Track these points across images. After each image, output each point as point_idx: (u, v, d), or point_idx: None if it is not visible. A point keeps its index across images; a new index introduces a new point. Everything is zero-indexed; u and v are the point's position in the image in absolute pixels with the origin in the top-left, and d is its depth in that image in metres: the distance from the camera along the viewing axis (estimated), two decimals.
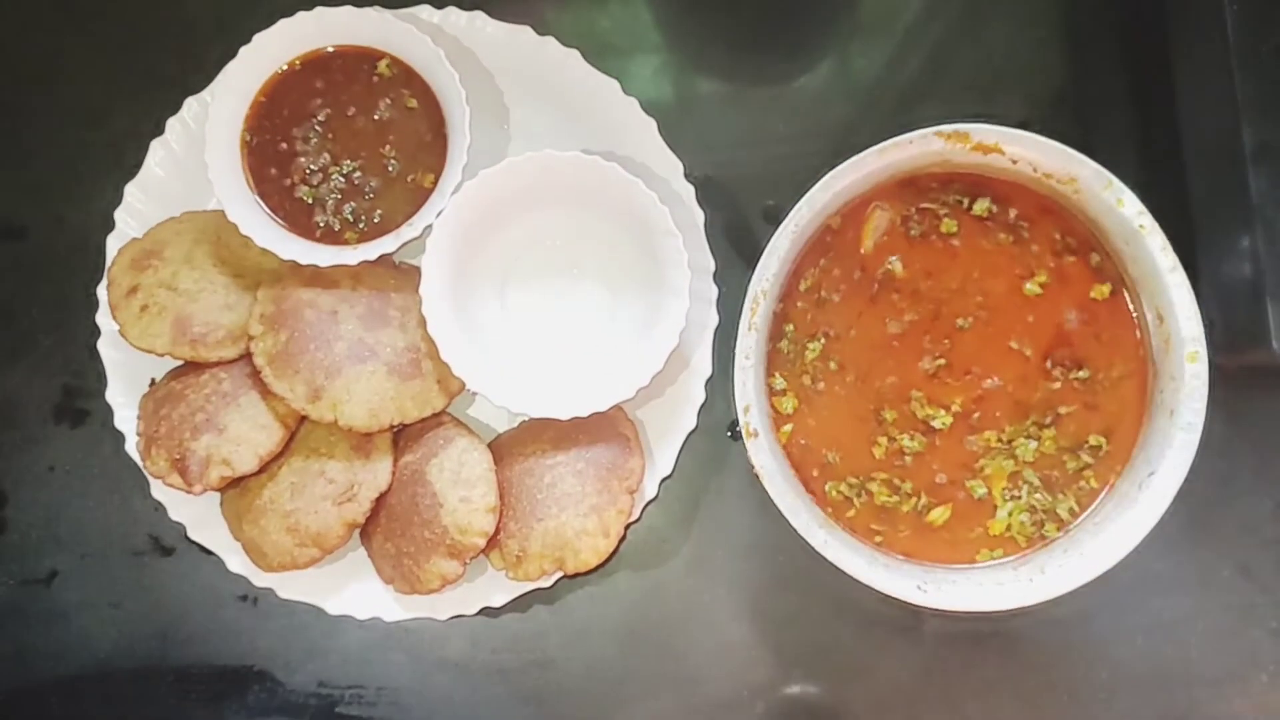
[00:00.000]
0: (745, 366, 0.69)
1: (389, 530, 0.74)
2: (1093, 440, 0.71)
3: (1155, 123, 0.80)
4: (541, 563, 0.73)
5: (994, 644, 0.78)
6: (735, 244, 0.80)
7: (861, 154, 0.69)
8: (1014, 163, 0.70)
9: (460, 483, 0.73)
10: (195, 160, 0.75)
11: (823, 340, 0.73)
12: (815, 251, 0.73)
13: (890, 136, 0.69)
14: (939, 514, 0.72)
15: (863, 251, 0.73)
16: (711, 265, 0.77)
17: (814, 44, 0.85)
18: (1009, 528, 0.71)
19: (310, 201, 0.76)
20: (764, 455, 0.69)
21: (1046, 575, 0.68)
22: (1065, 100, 0.83)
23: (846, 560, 0.68)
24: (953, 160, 0.71)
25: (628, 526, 0.76)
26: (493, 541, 0.74)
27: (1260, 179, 0.73)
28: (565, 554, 0.73)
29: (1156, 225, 0.68)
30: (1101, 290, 0.72)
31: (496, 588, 0.76)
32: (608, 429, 0.75)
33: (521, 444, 0.76)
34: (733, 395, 0.69)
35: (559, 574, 0.75)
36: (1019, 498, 0.71)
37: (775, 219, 0.70)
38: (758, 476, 0.69)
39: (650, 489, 0.77)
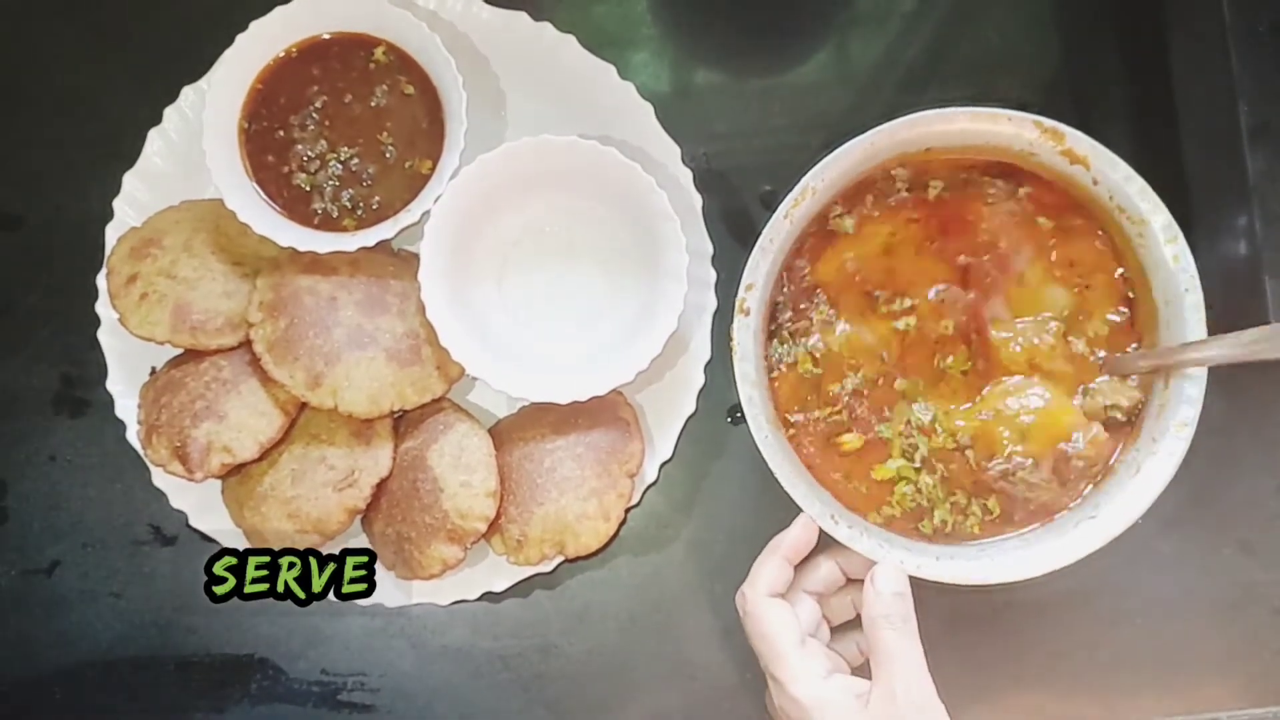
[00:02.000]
0: (766, 249, 0.70)
1: (390, 516, 0.75)
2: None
3: (1152, 104, 0.81)
4: (542, 547, 0.74)
5: (995, 624, 0.78)
6: (733, 229, 0.80)
7: (954, 109, 0.69)
8: (1095, 183, 0.70)
9: (460, 468, 0.73)
10: (193, 149, 0.75)
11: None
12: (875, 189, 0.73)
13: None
14: (850, 440, 0.72)
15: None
16: (710, 249, 0.77)
17: (811, 32, 0.85)
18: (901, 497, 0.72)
19: (308, 188, 0.76)
20: (746, 334, 0.70)
21: (912, 556, 0.69)
22: (1062, 82, 0.83)
23: (776, 459, 0.69)
24: (1039, 159, 0.71)
25: (628, 510, 0.76)
26: (493, 526, 0.74)
27: (1257, 158, 0.73)
28: (566, 538, 0.73)
29: (1201, 294, 0.68)
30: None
31: (497, 573, 0.77)
32: (607, 413, 0.76)
33: (521, 429, 0.77)
34: (740, 273, 0.70)
35: (559, 558, 0.75)
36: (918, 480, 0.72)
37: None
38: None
39: (650, 473, 0.77)
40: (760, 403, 0.70)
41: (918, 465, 0.72)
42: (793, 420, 0.72)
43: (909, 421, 0.72)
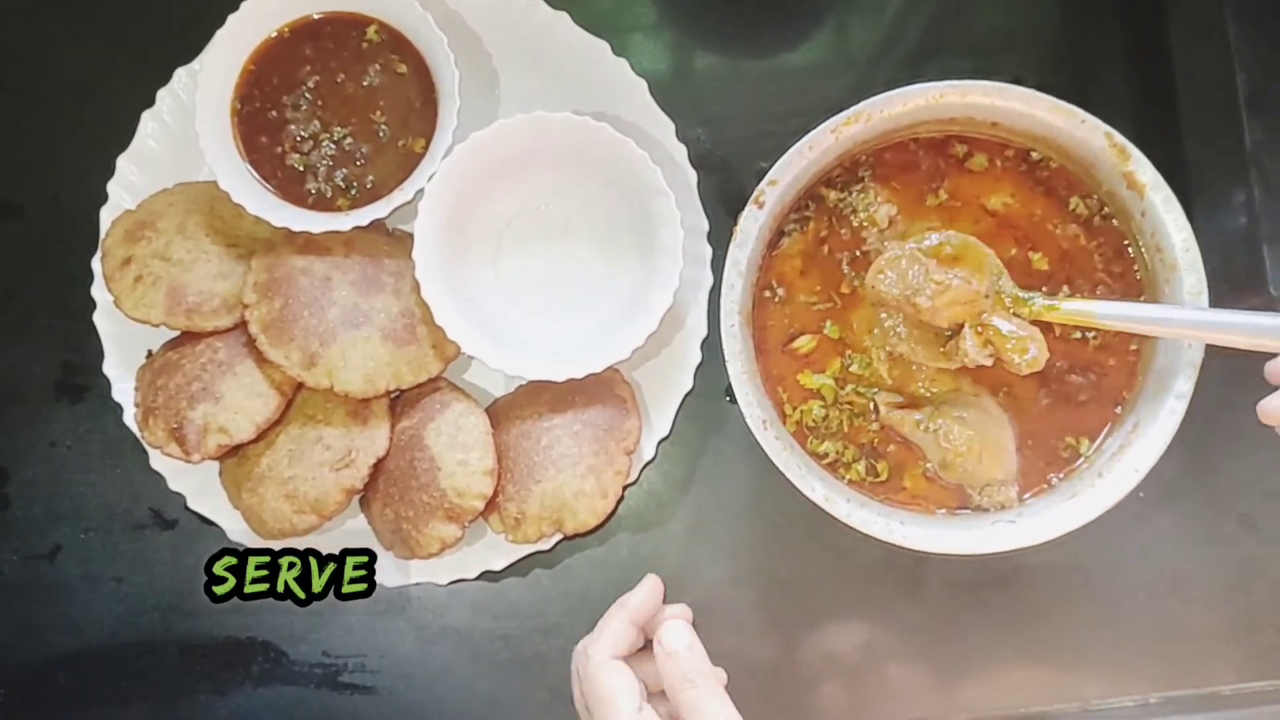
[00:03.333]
0: (803, 153, 0.70)
1: (388, 496, 0.75)
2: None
3: (1151, 76, 0.80)
4: (540, 525, 0.74)
5: (997, 602, 0.77)
6: (730, 208, 0.80)
7: (1039, 94, 0.69)
8: (1143, 214, 0.70)
9: (457, 446, 0.73)
10: (186, 131, 0.75)
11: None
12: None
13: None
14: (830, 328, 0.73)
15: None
16: (705, 225, 0.77)
17: (810, 13, 0.85)
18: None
19: (301, 169, 0.76)
20: (752, 224, 0.70)
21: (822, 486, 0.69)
22: (1062, 57, 0.83)
23: (733, 350, 0.69)
24: (1099, 171, 0.71)
25: (626, 488, 0.76)
26: (491, 505, 0.74)
27: (1255, 128, 0.73)
28: (564, 515, 0.73)
29: (1202, 350, 0.68)
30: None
31: (496, 551, 0.77)
32: (604, 391, 0.75)
33: (518, 407, 0.76)
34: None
35: (558, 536, 0.75)
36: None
37: None
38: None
39: (648, 451, 0.77)
40: (740, 291, 0.70)
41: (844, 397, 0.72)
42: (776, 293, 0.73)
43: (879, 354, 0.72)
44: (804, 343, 0.73)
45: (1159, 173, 0.68)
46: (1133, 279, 0.72)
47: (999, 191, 0.73)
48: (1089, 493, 0.68)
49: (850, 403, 0.72)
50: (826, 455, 0.72)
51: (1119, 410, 0.71)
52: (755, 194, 0.70)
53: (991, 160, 0.73)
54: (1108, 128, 0.69)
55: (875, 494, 0.71)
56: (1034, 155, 0.73)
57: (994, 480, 0.70)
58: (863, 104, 0.69)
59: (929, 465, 0.71)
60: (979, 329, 0.68)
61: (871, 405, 0.72)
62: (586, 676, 0.65)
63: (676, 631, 0.65)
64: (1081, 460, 0.71)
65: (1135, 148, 0.69)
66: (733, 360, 0.69)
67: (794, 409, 0.72)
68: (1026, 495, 0.71)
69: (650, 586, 0.69)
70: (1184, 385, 0.68)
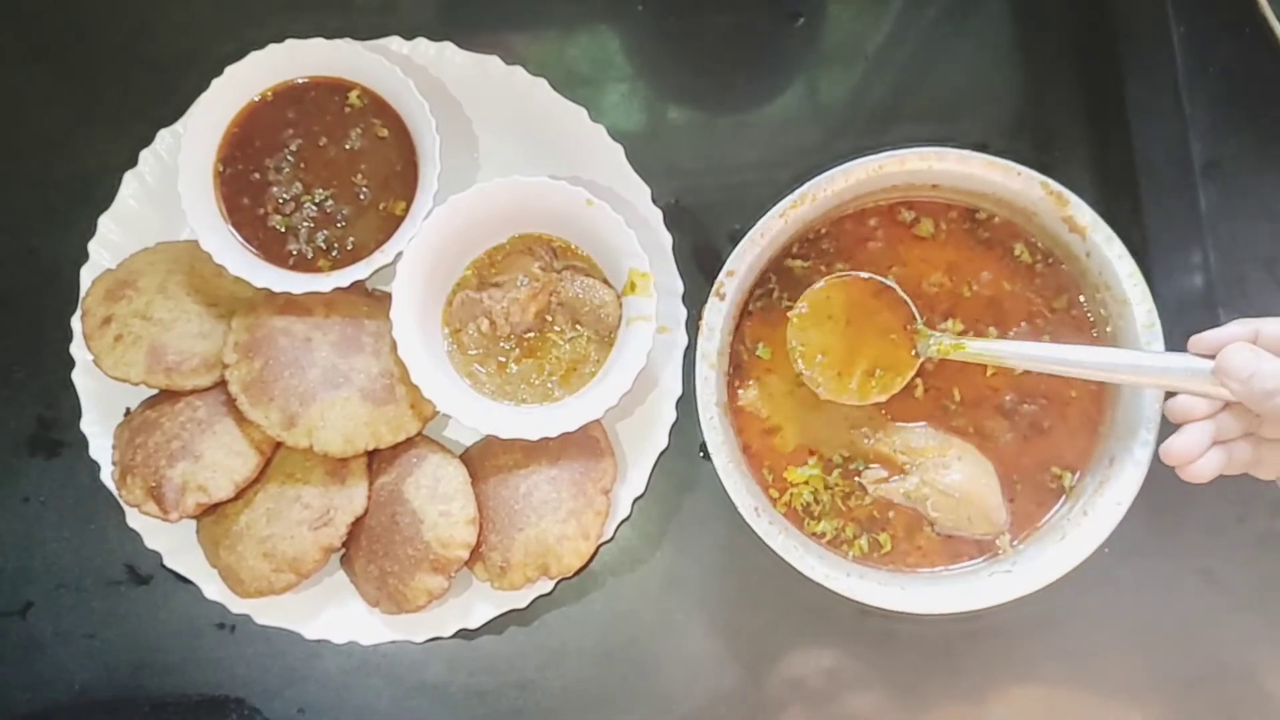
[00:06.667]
0: (755, 240, 0.71)
1: (371, 553, 0.75)
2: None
3: (1110, 143, 0.82)
4: (526, 571, 0.74)
5: (967, 656, 0.79)
6: (702, 267, 0.81)
7: (970, 153, 0.71)
8: (1088, 255, 0.71)
9: (438, 498, 0.74)
10: (168, 191, 0.76)
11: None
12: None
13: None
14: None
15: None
16: (679, 287, 0.79)
17: (781, 71, 0.87)
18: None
19: (283, 230, 0.77)
20: (716, 317, 0.71)
21: (823, 565, 0.70)
22: (1024, 122, 0.85)
23: (716, 442, 0.70)
24: (1040, 220, 0.72)
25: (601, 545, 0.76)
26: (476, 554, 0.75)
27: (1209, 193, 0.75)
28: (549, 560, 0.74)
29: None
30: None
31: (478, 603, 0.77)
32: (578, 433, 0.75)
33: (493, 456, 0.77)
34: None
35: (543, 580, 0.76)
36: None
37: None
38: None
39: (623, 508, 0.77)
40: (715, 384, 0.71)
41: (830, 483, 0.74)
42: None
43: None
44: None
45: (1119, 231, 0.71)
46: (1083, 319, 0.74)
47: (944, 260, 0.75)
48: (1076, 532, 0.70)
49: (839, 484, 0.73)
50: (825, 534, 0.73)
51: (1094, 442, 0.73)
52: (715, 286, 0.71)
53: (937, 224, 0.75)
54: (1043, 177, 0.71)
55: (883, 564, 0.73)
56: (979, 214, 0.75)
57: (986, 536, 0.72)
58: (806, 186, 0.71)
59: (930, 527, 0.73)
60: (559, 307, 0.74)
61: (859, 485, 0.73)
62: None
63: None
64: (1065, 497, 0.72)
65: (1071, 193, 0.71)
66: (717, 452, 0.71)
67: (781, 492, 0.74)
68: (1018, 541, 0.72)
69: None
70: (1152, 410, 0.69)
